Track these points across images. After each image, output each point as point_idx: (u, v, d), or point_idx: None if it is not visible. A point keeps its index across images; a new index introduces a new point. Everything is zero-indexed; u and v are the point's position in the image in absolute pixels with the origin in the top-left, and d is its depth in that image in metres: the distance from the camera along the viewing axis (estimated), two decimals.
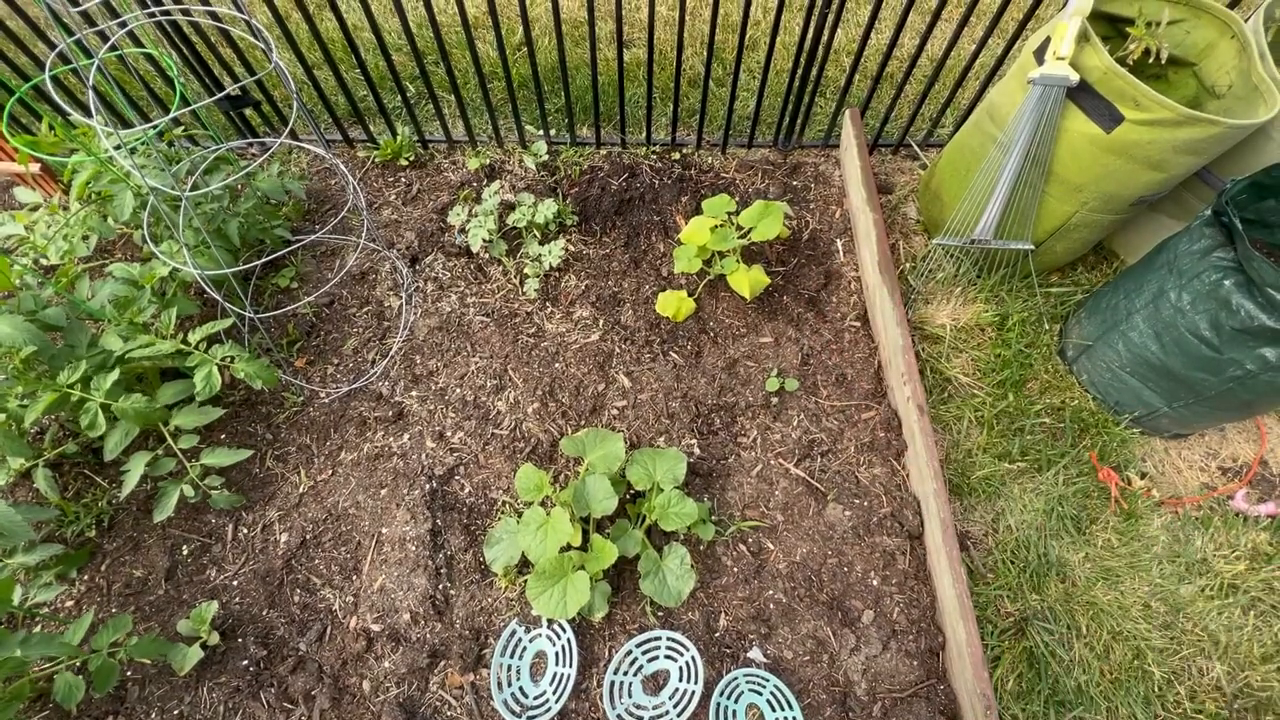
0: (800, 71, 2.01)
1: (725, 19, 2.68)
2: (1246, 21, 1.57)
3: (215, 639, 1.45)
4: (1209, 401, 1.60)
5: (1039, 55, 1.57)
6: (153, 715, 1.42)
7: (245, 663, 1.46)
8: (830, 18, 1.83)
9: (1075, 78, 1.49)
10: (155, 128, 1.35)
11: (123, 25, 1.29)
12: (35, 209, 1.71)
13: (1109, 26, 1.72)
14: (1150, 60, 1.61)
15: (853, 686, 1.46)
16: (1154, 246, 1.70)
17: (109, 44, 1.25)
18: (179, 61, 1.92)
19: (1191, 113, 1.39)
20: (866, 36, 1.89)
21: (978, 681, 1.32)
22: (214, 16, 1.42)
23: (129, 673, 1.45)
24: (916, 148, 2.31)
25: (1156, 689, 1.51)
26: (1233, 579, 1.63)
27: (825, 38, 1.89)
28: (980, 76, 2.18)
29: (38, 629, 1.49)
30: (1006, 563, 1.64)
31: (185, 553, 1.60)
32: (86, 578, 1.57)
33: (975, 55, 1.93)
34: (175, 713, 1.42)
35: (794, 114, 2.17)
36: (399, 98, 2.17)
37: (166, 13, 1.49)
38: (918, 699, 1.43)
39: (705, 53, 2.15)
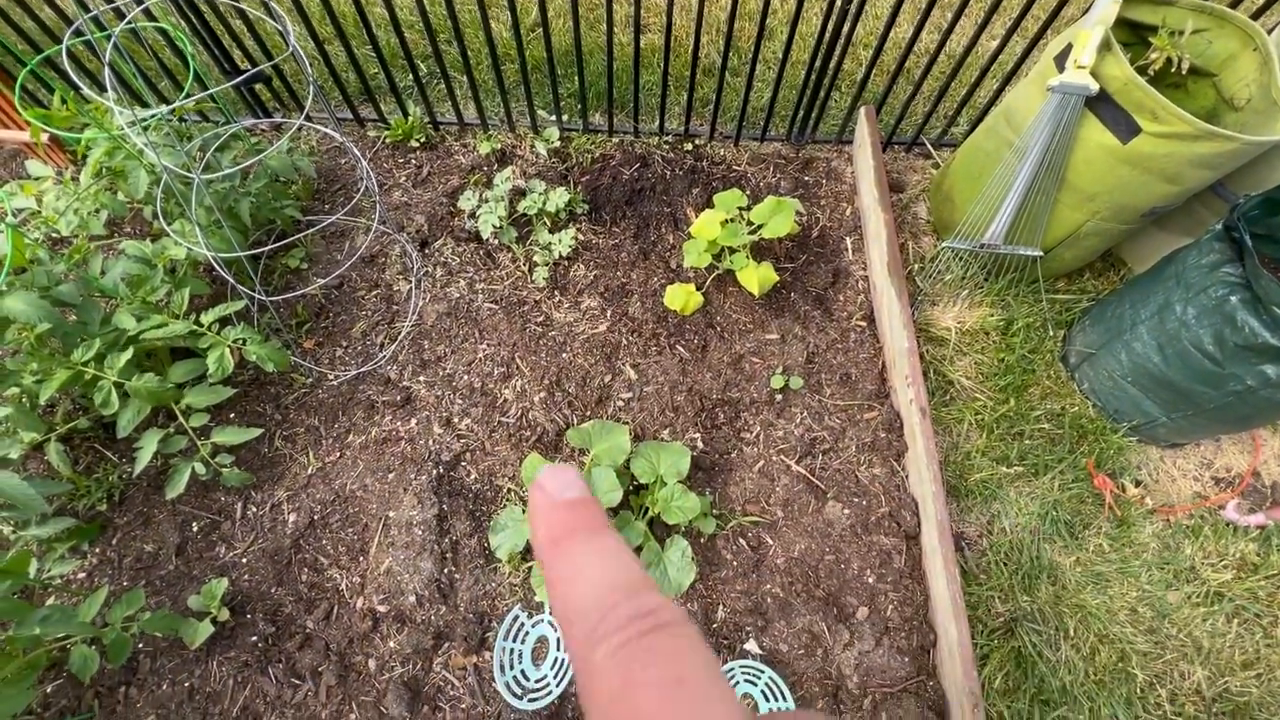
0: (818, 64, 1.99)
1: (744, 6, 2.64)
2: (1270, 34, 1.56)
3: (225, 615, 1.49)
4: (1208, 414, 1.62)
5: (1059, 62, 1.56)
6: (164, 687, 1.46)
7: (254, 639, 1.50)
8: (851, 10, 1.81)
9: (1095, 87, 1.48)
10: (172, 109, 1.34)
11: (139, 1, 1.28)
12: (45, 181, 1.71)
13: (1130, 33, 1.70)
14: (1172, 70, 1.60)
15: (845, 680, 1.50)
16: (1162, 258, 1.70)
17: (126, 20, 1.23)
18: (189, 32, 1.89)
19: (1209, 128, 1.39)
20: (888, 31, 1.87)
21: (966, 679, 1.37)
22: None
23: (141, 645, 1.49)
24: (930, 146, 2.30)
25: (1138, 691, 1.56)
26: (1219, 587, 1.67)
27: (845, 29, 1.87)
28: (998, 76, 2.16)
29: (51, 600, 1.53)
30: (999, 564, 1.68)
31: (195, 529, 1.62)
32: (98, 551, 1.59)
33: (996, 54, 1.91)
34: (186, 685, 1.46)
35: (809, 107, 2.15)
36: (410, 76, 2.14)
37: None
38: (907, 694, 1.48)
39: (722, 41, 2.13)
